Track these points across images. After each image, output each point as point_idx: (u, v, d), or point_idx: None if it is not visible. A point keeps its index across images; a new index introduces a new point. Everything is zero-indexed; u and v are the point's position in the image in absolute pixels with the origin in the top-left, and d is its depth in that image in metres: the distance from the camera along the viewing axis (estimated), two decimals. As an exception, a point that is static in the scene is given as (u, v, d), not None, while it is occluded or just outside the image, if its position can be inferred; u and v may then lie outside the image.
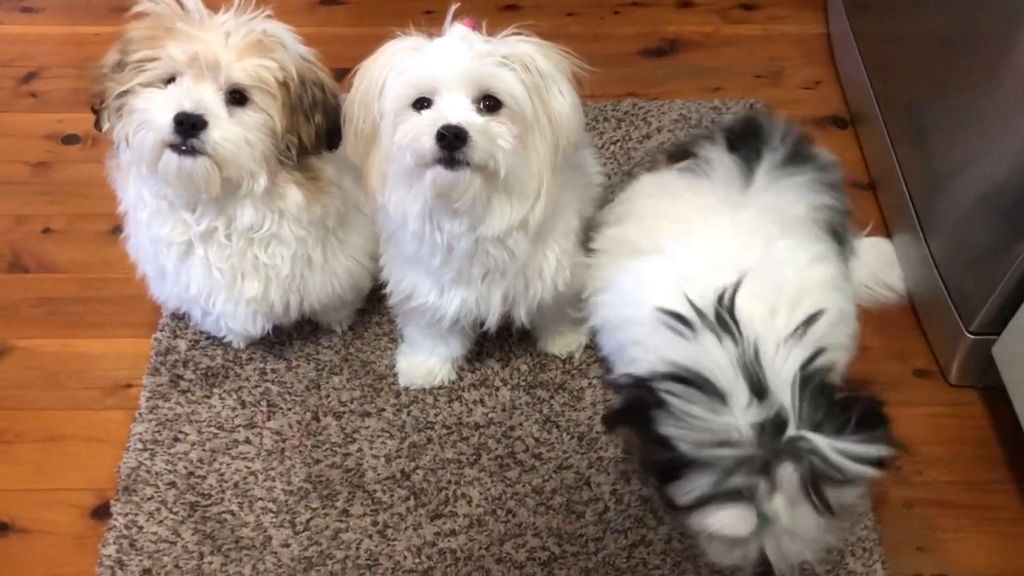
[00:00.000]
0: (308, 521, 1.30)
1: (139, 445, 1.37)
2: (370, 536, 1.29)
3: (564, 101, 1.11)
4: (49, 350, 1.51)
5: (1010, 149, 1.25)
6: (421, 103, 1.07)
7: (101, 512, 1.33)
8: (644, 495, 1.32)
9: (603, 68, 1.89)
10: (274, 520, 1.30)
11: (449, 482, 1.34)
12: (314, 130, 1.18)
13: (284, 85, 1.14)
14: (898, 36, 1.62)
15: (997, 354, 1.32)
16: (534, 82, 1.08)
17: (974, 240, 1.34)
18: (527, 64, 1.08)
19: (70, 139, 1.79)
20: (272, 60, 1.13)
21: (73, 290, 1.58)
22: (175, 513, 1.31)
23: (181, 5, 1.14)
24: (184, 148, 1.11)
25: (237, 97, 1.13)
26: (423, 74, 1.06)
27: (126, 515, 1.31)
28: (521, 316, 1.30)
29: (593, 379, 1.44)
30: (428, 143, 1.04)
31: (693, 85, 1.89)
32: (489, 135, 1.05)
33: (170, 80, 1.12)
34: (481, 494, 1.33)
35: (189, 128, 1.09)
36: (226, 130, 1.11)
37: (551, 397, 1.42)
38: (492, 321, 1.29)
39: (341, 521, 1.30)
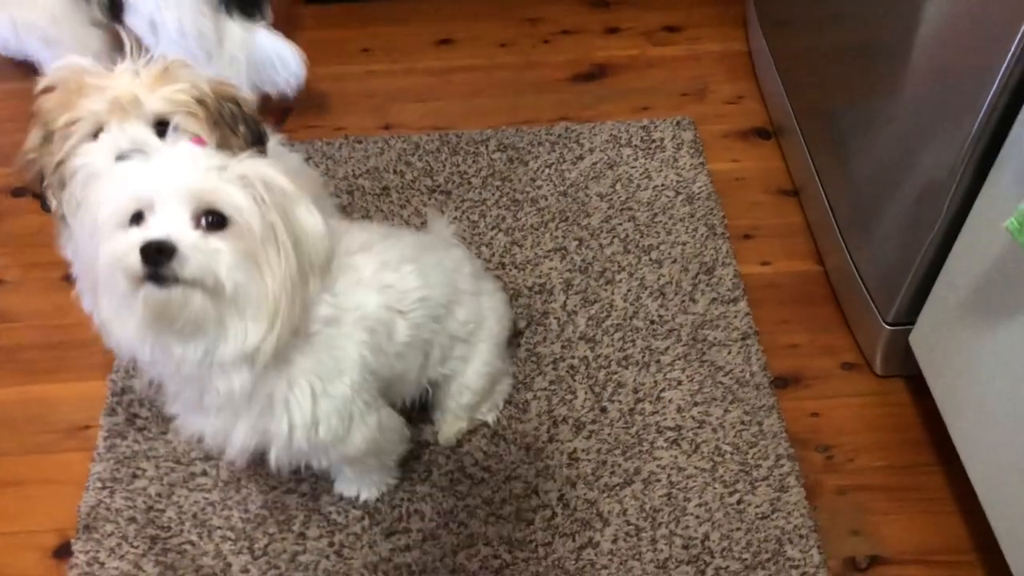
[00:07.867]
0: (266, 546, 1.34)
1: (98, 484, 1.41)
2: (327, 556, 1.33)
3: (312, 220, 1.00)
4: (7, 399, 1.54)
5: (912, 147, 1.33)
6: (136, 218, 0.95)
7: (63, 552, 1.35)
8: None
9: (537, 95, 2.00)
10: (233, 548, 1.34)
11: (402, 500, 1.38)
12: (242, 140, 1.23)
13: (201, 103, 1.19)
14: (809, 51, 1.71)
15: (913, 342, 1.40)
16: (276, 201, 0.98)
17: (885, 236, 1.42)
18: (268, 183, 0.98)
19: (19, 192, 1.83)
20: (183, 83, 1.18)
21: (30, 338, 1.61)
22: (136, 547, 1.34)
23: (82, 69, 1.18)
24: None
25: (161, 130, 1.17)
26: (141, 188, 0.95)
27: (87, 553, 1.34)
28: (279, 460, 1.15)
29: (537, 391, 1.50)
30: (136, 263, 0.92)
31: (623, 106, 1.97)
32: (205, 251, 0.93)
33: (97, 133, 1.16)
34: (433, 509, 1.37)
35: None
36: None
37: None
38: (240, 459, 1.16)
39: (298, 544, 1.34)
